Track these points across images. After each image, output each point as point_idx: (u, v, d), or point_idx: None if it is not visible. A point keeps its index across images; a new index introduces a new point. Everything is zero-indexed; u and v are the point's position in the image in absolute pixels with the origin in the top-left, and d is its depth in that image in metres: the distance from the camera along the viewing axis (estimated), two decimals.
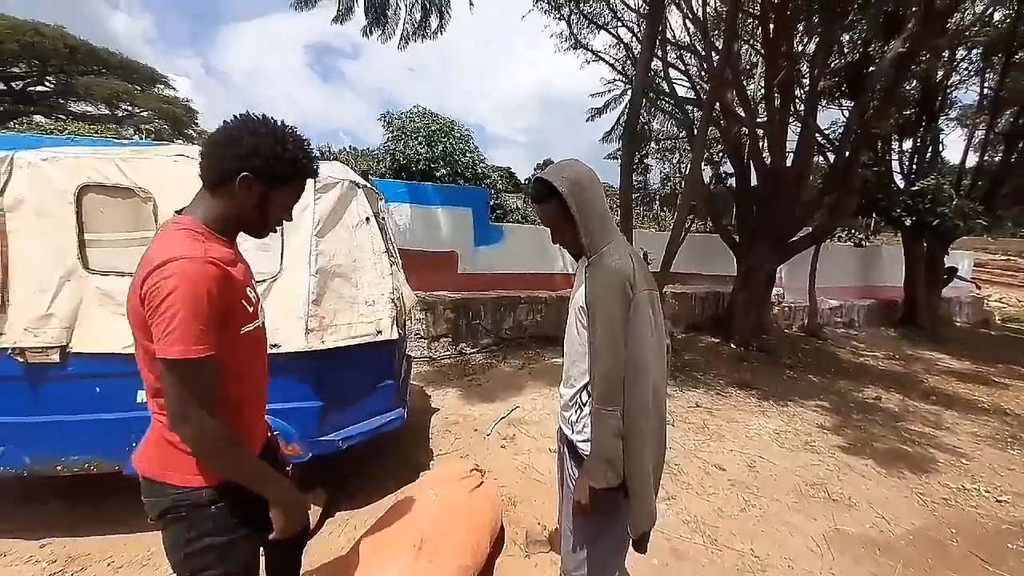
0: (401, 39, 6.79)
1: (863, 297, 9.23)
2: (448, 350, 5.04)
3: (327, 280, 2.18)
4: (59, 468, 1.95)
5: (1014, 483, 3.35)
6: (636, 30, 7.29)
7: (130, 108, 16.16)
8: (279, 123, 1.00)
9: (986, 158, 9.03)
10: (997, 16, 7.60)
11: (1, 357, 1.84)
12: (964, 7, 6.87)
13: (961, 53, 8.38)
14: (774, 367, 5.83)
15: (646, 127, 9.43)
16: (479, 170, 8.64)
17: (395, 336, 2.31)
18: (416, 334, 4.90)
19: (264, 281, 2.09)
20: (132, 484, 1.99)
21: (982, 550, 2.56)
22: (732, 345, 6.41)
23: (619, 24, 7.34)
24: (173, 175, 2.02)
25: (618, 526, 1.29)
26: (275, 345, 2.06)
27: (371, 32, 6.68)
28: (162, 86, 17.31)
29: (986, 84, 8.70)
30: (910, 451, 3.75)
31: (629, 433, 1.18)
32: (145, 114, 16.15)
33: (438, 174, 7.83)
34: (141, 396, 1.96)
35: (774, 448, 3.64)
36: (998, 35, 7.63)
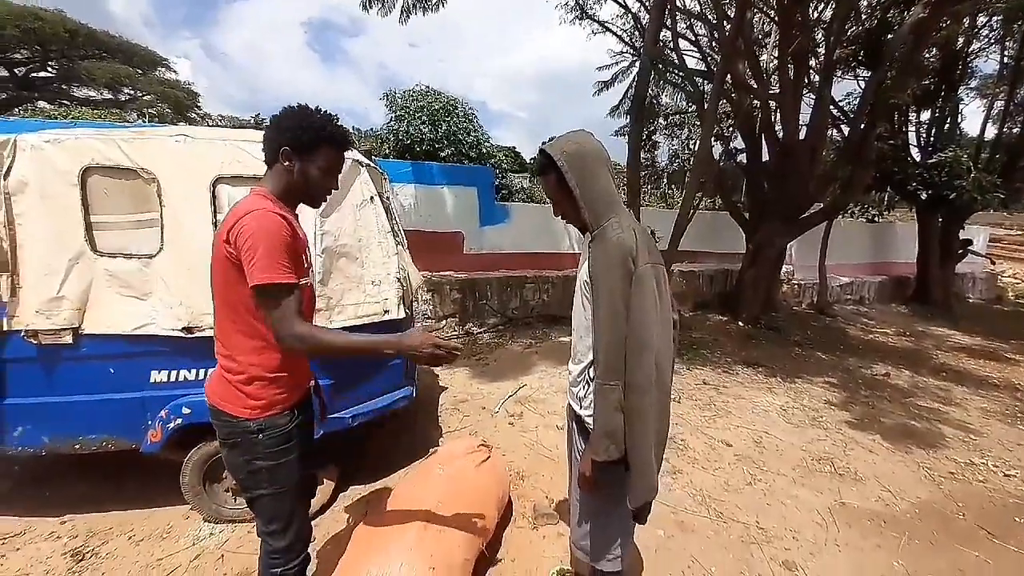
0: (402, 12, 6.61)
1: (874, 274, 9.09)
2: (455, 330, 5.07)
3: (333, 260, 2.18)
4: (76, 447, 2.00)
5: (1023, 458, 3.34)
6: None
7: (132, 92, 16.03)
8: (313, 107, 1.20)
9: (1005, 130, 8.70)
10: None
11: (15, 339, 1.87)
12: None
13: (982, 19, 7.97)
14: (782, 345, 5.80)
15: (654, 101, 9.19)
16: (484, 149, 8.50)
17: (402, 316, 2.32)
18: (423, 314, 4.93)
19: None
20: (149, 461, 2.07)
21: (989, 524, 2.57)
22: (740, 323, 6.38)
23: None
24: (176, 155, 2.00)
25: (624, 500, 1.30)
26: None
27: (370, 6, 6.50)
28: (163, 69, 17.11)
29: (1006, 52, 8.32)
30: (918, 427, 3.75)
31: (630, 406, 1.19)
32: (147, 98, 16.03)
33: (442, 154, 7.72)
34: (154, 376, 2.00)
35: (781, 424, 3.65)
36: (1019, 1, 7.25)
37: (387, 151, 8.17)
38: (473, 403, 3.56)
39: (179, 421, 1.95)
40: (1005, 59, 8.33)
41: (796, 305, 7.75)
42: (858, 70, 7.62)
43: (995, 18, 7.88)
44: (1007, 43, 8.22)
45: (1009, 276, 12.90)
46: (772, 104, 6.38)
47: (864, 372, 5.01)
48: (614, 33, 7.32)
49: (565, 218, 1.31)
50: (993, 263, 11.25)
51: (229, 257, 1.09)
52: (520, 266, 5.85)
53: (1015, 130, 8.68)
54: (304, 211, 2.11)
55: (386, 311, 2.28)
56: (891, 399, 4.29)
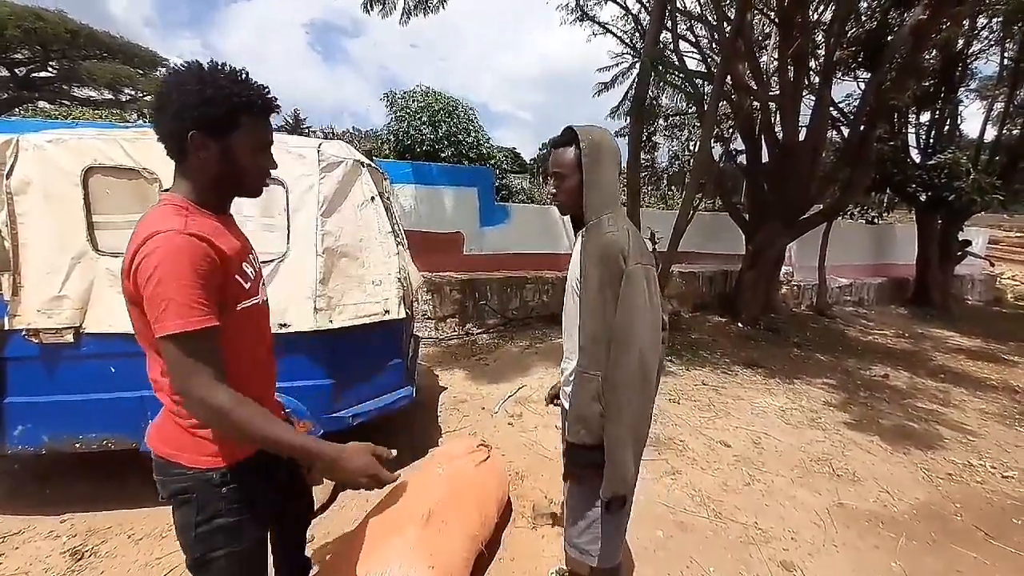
0: (403, 14, 6.63)
1: (874, 275, 9.10)
2: (455, 331, 5.08)
3: (334, 260, 2.19)
4: (77, 446, 2.01)
5: (1021, 460, 3.34)
6: (645, 0, 7.04)
7: (133, 92, 16.07)
8: (205, 65, 0.90)
9: (1005, 131, 8.71)
10: None
11: (16, 338, 1.88)
12: None
13: (982, 21, 7.99)
14: (781, 346, 5.81)
15: (654, 102, 9.21)
16: (484, 150, 8.53)
17: (402, 315, 2.33)
18: (423, 315, 4.93)
19: (272, 262, 2.10)
20: (150, 460, 2.07)
21: (987, 525, 2.57)
22: (739, 324, 6.39)
23: None
24: None
25: None
26: (284, 324, 2.08)
27: (372, 7, 6.52)
28: (164, 69, 17.16)
29: (1006, 54, 8.33)
30: (916, 428, 3.76)
31: (609, 399, 1.22)
32: (148, 98, 16.07)
33: (443, 155, 7.75)
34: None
35: (780, 425, 3.65)
36: (1020, 2, 7.26)
37: (387, 152, 8.19)
38: (473, 403, 3.57)
39: None
40: (1005, 61, 8.35)
41: (795, 306, 7.76)
42: (858, 72, 7.63)
43: (995, 20, 7.90)
44: (1007, 44, 8.24)
45: (1008, 278, 12.91)
46: (772, 105, 6.40)
47: (863, 373, 5.02)
48: (614, 34, 7.35)
49: (563, 204, 1.32)
50: (992, 265, 11.26)
51: (132, 299, 0.86)
52: (520, 267, 5.86)
53: (1015, 132, 8.70)
54: (305, 210, 2.18)
55: (387, 311, 2.29)
56: (889, 400, 4.30)
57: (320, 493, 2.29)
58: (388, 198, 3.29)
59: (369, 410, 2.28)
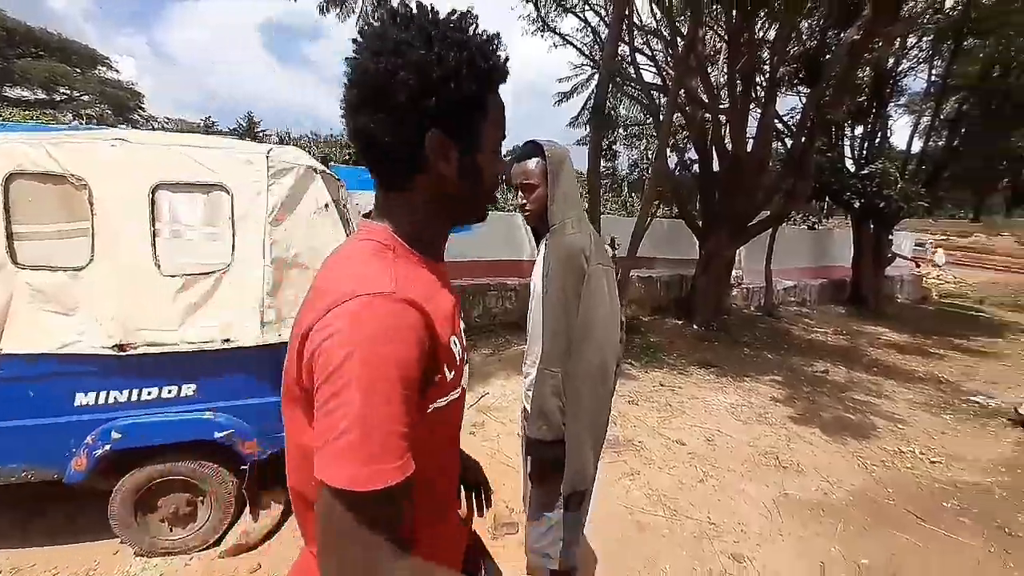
0: (360, 17, 6.53)
1: (815, 277, 9.72)
2: None
3: (284, 270, 2.11)
4: None
5: (947, 445, 3.65)
6: (604, 14, 7.26)
7: (69, 91, 15.00)
8: (425, 15, 0.55)
9: (930, 143, 9.58)
10: (949, 2, 7.96)
11: None
12: None
13: (911, 40, 8.76)
14: (733, 346, 6.09)
15: (613, 112, 9.51)
16: None
17: None
18: None
19: (214, 273, 2.01)
20: (75, 492, 1.92)
21: (917, 508, 2.79)
22: (695, 326, 6.65)
23: (587, 7, 7.30)
24: (111, 160, 1.90)
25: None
26: (228, 340, 2.00)
27: (328, 10, 6.39)
28: (104, 68, 16.09)
29: (934, 71, 9.16)
30: (853, 419, 4.03)
31: (570, 394, 1.28)
32: (86, 98, 15.06)
33: None
34: (79, 399, 1.86)
35: (731, 422, 3.83)
36: (948, 22, 7.98)
37: (348, 156, 8.03)
38: None
39: (107, 447, 1.82)
40: (932, 77, 9.14)
41: (745, 308, 8.16)
42: (799, 87, 8.17)
43: (924, 39, 8.65)
44: (935, 62, 9.03)
45: (934, 278, 14.12)
46: (722, 118, 6.74)
47: (806, 369, 5.34)
48: (574, 46, 7.53)
49: (532, 213, 1.38)
50: (918, 266, 12.28)
51: (297, 388, 0.55)
52: (483, 274, 5.86)
53: (939, 143, 9.55)
54: (251, 218, 2.10)
55: None
56: (829, 394, 4.60)
57: (268, 519, 2.20)
58: (345, 205, 3.22)
59: None
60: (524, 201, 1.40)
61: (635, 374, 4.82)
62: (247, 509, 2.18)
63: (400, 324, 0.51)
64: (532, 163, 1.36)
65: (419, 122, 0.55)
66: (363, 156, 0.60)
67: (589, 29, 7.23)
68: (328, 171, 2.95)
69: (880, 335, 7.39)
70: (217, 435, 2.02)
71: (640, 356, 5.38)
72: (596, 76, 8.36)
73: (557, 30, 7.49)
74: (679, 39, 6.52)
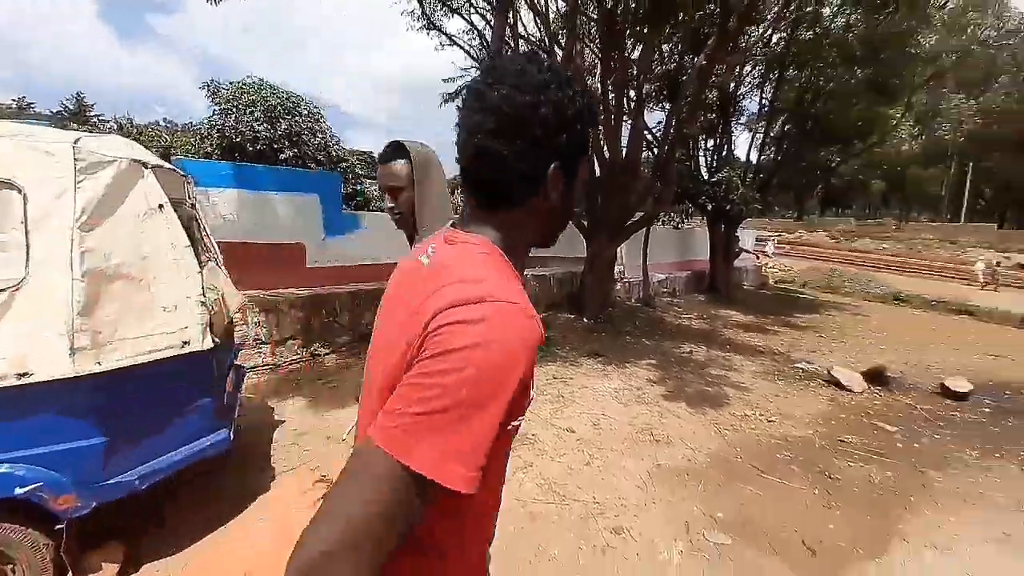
0: None
1: (682, 270, 11.10)
2: (298, 353, 4.57)
3: (102, 284, 1.75)
4: None
5: (780, 406, 4.39)
6: (489, 18, 7.39)
7: None
8: (544, 56, 0.67)
9: (763, 156, 11.55)
10: (774, 38, 9.66)
11: None
12: (749, 30, 8.57)
13: (748, 69, 10.47)
14: (617, 335, 6.66)
15: None
16: (333, 152, 7.93)
17: (209, 346, 1.99)
18: (255, 339, 4.32)
19: (3, 291, 1.60)
20: None
21: (758, 462, 3.31)
22: (585, 319, 7.13)
23: (473, 10, 7.36)
24: None
25: None
26: (25, 374, 1.60)
27: None
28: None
29: (764, 96, 11.05)
30: (711, 391, 4.67)
31: None
32: None
33: (283, 156, 6.99)
34: None
35: (614, 405, 4.16)
36: (774, 55, 9.71)
37: (209, 149, 7.05)
38: (317, 433, 3.24)
39: None
40: (763, 101, 11.02)
41: (628, 300, 9.00)
42: (664, 103, 9.24)
43: (757, 68, 10.38)
44: (765, 88, 10.88)
45: (771, 268, 17.07)
46: (600, 128, 7.31)
47: (675, 351, 6.06)
48: (461, 47, 7.54)
49: (399, 216, 1.33)
50: (758, 258, 14.72)
51: (397, 367, 0.53)
52: (374, 278, 5.57)
53: (770, 156, 11.55)
54: (49, 223, 1.70)
55: (186, 342, 1.93)
56: (693, 372, 5.27)
57: None
58: (193, 205, 2.81)
59: (164, 466, 1.87)
60: (392, 204, 1.35)
61: None
62: None
63: (530, 340, 0.51)
64: (398, 165, 1.31)
65: (549, 154, 0.60)
66: (483, 176, 0.62)
67: (476, 32, 7.29)
68: (169, 166, 2.54)
69: (731, 317, 8.70)
70: (19, 491, 1.61)
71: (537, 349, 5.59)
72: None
73: (443, 30, 7.43)
74: (557, 48, 6.94)
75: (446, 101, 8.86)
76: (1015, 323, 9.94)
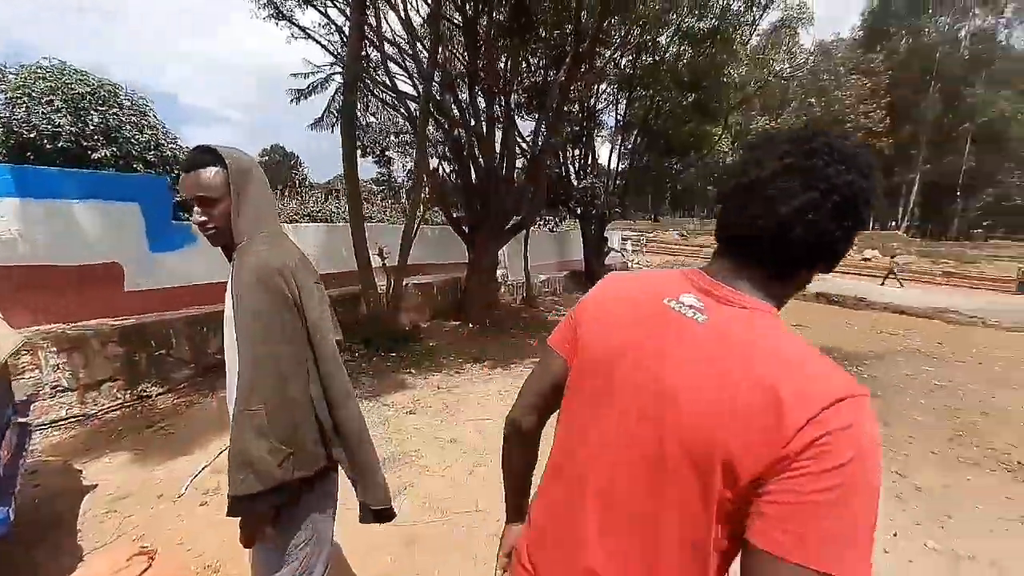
0: None
1: (561, 270, 11.87)
2: (118, 398, 3.69)
3: None
4: None
5: None
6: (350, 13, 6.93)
7: None
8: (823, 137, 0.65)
9: (622, 166, 12.93)
10: (624, 61, 10.81)
11: None
12: (602, 52, 9.47)
13: (604, 87, 11.61)
14: (502, 338, 6.82)
15: (375, 117, 9.34)
16: (166, 152, 6.69)
17: None
18: (54, 387, 3.40)
19: None
20: None
21: None
22: (470, 324, 7.16)
23: (330, 3, 6.82)
24: None
25: (306, 542, 1.23)
26: None
27: None
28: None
29: (619, 112, 12.36)
30: None
31: (341, 419, 1.21)
32: None
33: (95, 155, 5.72)
34: None
35: (499, 407, 4.22)
36: (624, 76, 10.90)
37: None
38: (144, 494, 2.65)
39: None
40: (617, 116, 12.31)
41: (512, 302, 9.30)
42: (533, 113, 9.73)
43: (611, 87, 11.54)
44: (619, 105, 12.14)
45: (636, 263, 19.20)
46: (473, 134, 7.41)
47: None
48: (318, 42, 6.95)
49: (217, 231, 1.17)
50: (623, 255, 16.44)
51: (724, 475, 0.55)
52: (216, 299, 4.81)
53: (627, 165, 12.95)
54: None
55: None
56: None
57: None
58: None
59: None
60: (204, 218, 1.16)
61: (415, 382, 4.83)
62: None
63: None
64: (210, 173, 1.14)
65: (853, 228, 0.62)
66: (794, 250, 0.62)
67: (334, 27, 6.78)
68: None
69: None
70: None
71: (420, 363, 5.43)
72: (336, 76, 8.01)
73: (295, 21, 6.78)
74: (423, 53, 6.85)
75: (297, 99, 8.10)
76: (811, 299, 12.69)
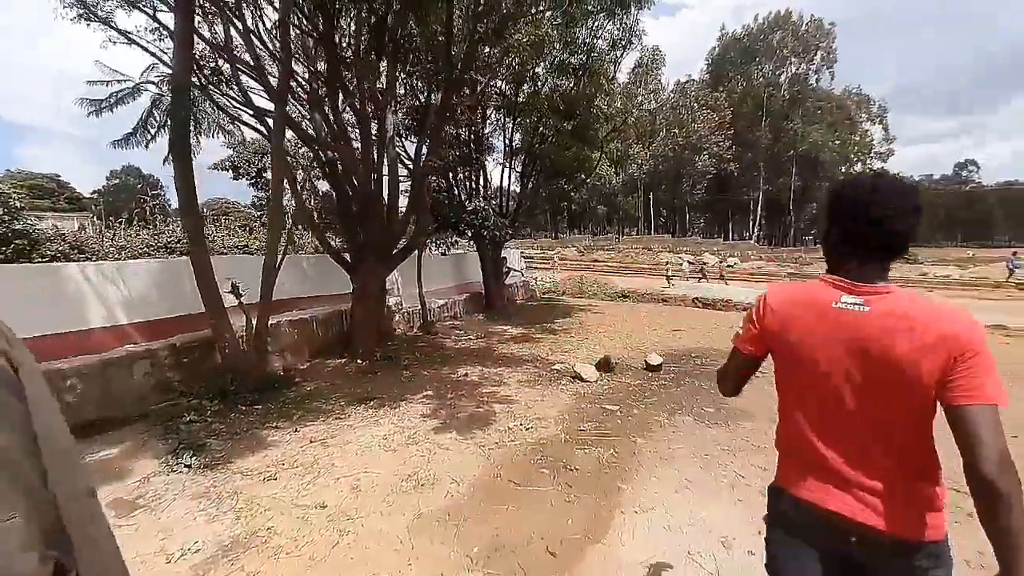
0: None
1: (460, 293, 11.61)
2: None
3: None
4: None
5: (537, 411, 4.73)
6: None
7: None
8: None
9: (513, 187, 13.22)
10: (507, 89, 11.09)
11: None
12: (478, 79, 9.62)
13: (491, 112, 11.82)
14: (395, 372, 6.27)
15: (230, 134, 8.34)
16: None
17: None
18: None
19: None
20: None
21: (516, 475, 3.38)
22: (358, 361, 6.50)
23: (158, 6, 5.87)
24: None
25: None
26: None
27: None
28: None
29: (507, 136, 12.66)
30: (480, 411, 4.74)
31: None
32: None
33: None
34: None
35: (381, 455, 3.75)
36: (509, 103, 11.21)
37: None
38: None
39: None
40: (507, 141, 12.59)
41: (408, 330, 8.76)
42: (415, 135, 9.49)
43: (498, 112, 11.80)
44: (507, 130, 12.42)
45: (537, 282, 19.69)
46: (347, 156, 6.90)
47: (451, 377, 6.05)
48: (140, 45, 5.89)
49: None
50: (523, 274, 16.76)
51: (937, 370, 0.97)
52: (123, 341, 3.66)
53: (518, 187, 13.26)
54: None
55: None
56: (467, 394, 5.31)
57: None
58: None
59: None
60: None
61: (282, 439, 4.12)
62: None
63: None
64: None
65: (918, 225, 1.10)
66: (901, 249, 1.09)
67: (167, 32, 5.82)
68: None
69: (505, 332, 9.43)
70: None
71: (292, 413, 4.70)
72: (150, 87, 7.03)
73: (112, 23, 5.73)
74: (273, 67, 6.27)
75: (97, 111, 6.85)
76: (689, 303, 14.01)
